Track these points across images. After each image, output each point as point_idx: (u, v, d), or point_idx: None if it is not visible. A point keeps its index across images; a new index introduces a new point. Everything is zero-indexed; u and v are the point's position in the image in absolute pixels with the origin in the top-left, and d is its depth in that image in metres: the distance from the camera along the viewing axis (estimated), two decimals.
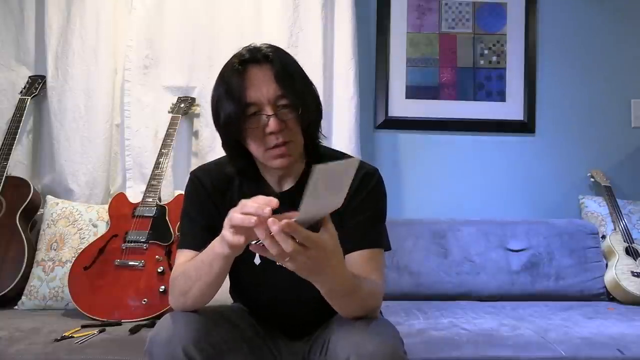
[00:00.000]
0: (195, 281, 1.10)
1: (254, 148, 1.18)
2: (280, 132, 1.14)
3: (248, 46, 1.19)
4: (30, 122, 2.35)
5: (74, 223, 2.09)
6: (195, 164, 2.36)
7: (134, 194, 2.20)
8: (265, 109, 1.13)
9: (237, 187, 1.26)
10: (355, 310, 1.13)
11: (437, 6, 2.58)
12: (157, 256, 1.88)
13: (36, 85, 2.31)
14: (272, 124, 1.13)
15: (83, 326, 1.67)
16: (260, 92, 1.13)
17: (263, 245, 0.91)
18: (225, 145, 1.23)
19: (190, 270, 1.12)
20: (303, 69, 1.23)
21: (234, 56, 1.18)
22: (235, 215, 0.94)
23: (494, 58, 2.59)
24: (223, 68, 1.19)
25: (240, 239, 0.96)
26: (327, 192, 0.90)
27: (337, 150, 1.35)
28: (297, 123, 1.16)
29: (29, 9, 2.37)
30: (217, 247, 1.04)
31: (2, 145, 2.19)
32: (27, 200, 2.11)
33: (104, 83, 2.34)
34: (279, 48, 1.21)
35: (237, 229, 0.95)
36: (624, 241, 2.28)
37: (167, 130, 2.22)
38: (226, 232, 0.97)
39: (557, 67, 2.61)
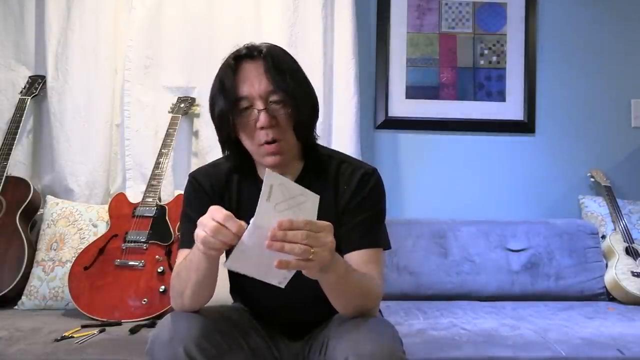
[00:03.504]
0: (187, 281, 1.11)
1: (247, 143, 1.19)
2: (271, 127, 1.14)
3: (247, 44, 1.20)
4: (30, 122, 2.35)
5: (74, 223, 2.09)
6: (195, 164, 2.36)
7: (134, 194, 2.20)
8: (257, 104, 1.14)
9: (235, 187, 1.26)
10: (355, 299, 1.13)
11: (437, 6, 2.58)
12: (157, 256, 1.88)
13: (36, 85, 2.31)
14: (262, 119, 1.14)
15: (83, 326, 1.66)
16: (252, 87, 1.14)
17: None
18: (220, 141, 1.24)
19: (182, 271, 1.13)
20: (302, 68, 1.23)
21: (231, 53, 1.20)
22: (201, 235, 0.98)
23: (494, 58, 2.59)
24: (220, 65, 1.21)
25: (211, 251, 1.00)
26: (286, 205, 0.95)
27: (339, 152, 1.35)
28: (288, 120, 1.16)
29: (29, 9, 2.36)
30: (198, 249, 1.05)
31: (2, 145, 2.19)
32: (27, 200, 2.11)
33: (104, 83, 2.34)
34: (277, 46, 1.22)
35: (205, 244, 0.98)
36: (624, 241, 2.28)
37: (167, 130, 2.22)
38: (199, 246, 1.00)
39: (557, 67, 2.61)
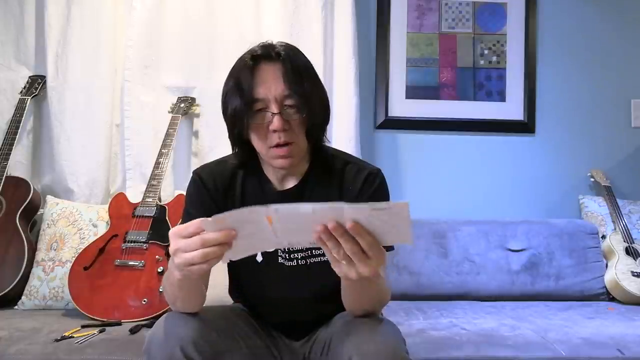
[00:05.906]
0: (175, 297, 1.12)
1: (258, 144, 1.18)
2: (284, 131, 1.14)
3: (263, 42, 1.19)
4: (30, 122, 2.35)
5: (74, 223, 2.09)
6: (195, 164, 2.36)
7: (134, 194, 2.19)
8: (271, 107, 1.14)
9: (239, 185, 1.26)
10: (372, 302, 1.15)
11: (437, 6, 2.58)
12: (157, 256, 1.88)
13: (36, 85, 2.31)
14: (276, 122, 1.13)
15: (83, 326, 1.67)
16: (268, 90, 1.14)
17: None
18: (230, 138, 1.24)
19: (167, 286, 1.12)
20: (315, 69, 1.23)
21: (248, 51, 1.18)
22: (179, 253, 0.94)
23: (494, 58, 2.59)
24: (236, 62, 1.19)
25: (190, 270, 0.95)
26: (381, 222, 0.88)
27: (344, 152, 1.36)
28: (301, 125, 1.16)
29: (29, 9, 2.36)
30: (176, 274, 1.01)
31: (2, 145, 2.19)
32: (27, 200, 2.11)
33: (104, 83, 2.34)
34: (293, 47, 1.21)
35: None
36: (624, 241, 2.28)
37: (167, 130, 2.22)
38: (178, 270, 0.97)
39: (557, 67, 2.61)
